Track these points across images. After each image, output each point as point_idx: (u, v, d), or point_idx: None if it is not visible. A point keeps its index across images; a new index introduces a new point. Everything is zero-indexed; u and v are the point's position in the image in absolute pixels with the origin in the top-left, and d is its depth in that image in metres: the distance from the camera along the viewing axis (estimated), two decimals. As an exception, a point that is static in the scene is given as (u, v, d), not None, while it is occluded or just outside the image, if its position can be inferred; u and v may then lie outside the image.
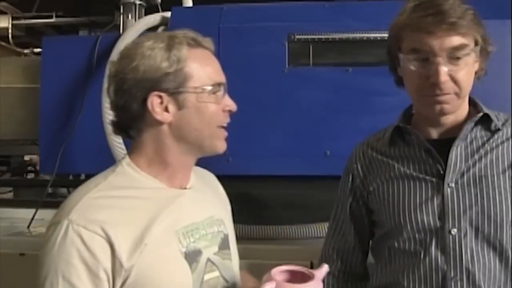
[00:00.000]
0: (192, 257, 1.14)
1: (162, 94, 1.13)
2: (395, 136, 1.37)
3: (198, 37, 1.20)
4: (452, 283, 1.23)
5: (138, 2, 2.58)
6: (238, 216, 2.03)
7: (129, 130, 1.18)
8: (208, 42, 1.22)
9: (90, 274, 1.02)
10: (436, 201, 1.26)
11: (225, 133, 1.22)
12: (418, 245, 1.27)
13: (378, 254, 1.41)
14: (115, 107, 1.17)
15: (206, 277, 1.17)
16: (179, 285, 1.12)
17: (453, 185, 1.25)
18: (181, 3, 2.74)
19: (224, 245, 1.25)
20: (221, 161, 2.15)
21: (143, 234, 1.07)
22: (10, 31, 6.74)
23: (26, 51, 6.32)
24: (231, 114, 1.24)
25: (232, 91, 2.16)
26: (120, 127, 1.19)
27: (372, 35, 2.14)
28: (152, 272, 1.07)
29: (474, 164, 1.26)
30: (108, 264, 1.03)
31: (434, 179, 1.28)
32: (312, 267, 1.79)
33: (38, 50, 6.10)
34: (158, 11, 2.53)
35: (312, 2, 2.24)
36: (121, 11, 2.60)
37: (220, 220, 1.28)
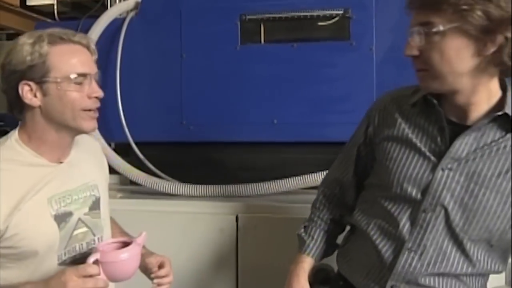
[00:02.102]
0: (61, 218, 1.41)
1: (30, 83, 1.36)
2: (421, 102, 1.35)
3: (67, 34, 1.40)
4: (406, 252, 1.31)
5: (122, -14, 2.86)
6: (203, 178, 2.36)
7: (13, 110, 1.43)
8: (80, 37, 1.42)
9: None
10: (425, 179, 1.30)
11: (92, 115, 1.42)
12: (396, 208, 1.34)
13: (364, 197, 1.50)
14: (2, 91, 1.42)
15: (75, 232, 1.45)
16: (46, 240, 1.37)
17: (446, 171, 1.27)
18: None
19: (94, 206, 1.52)
20: (182, 129, 2.48)
21: (19, 201, 1.33)
22: (55, 7, 7.22)
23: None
24: (99, 99, 1.44)
25: (192, 65, 2.47)
26: (9, 108, 1.44)
27: (316, 13, 2.31)
28: (22, 231, 1.33)
29: (474, 158, 1.26)
30: None
31: (433, 158, 1.30)
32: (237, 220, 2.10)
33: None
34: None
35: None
36: (108, -5, 2.89)
37: (94, 185, 1.54)
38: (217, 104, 2.44)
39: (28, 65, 1.35)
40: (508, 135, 1.25)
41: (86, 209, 1.50)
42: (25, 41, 1.36)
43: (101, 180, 1.60)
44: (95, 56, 1.47)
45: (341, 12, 2.29)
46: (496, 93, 1.27)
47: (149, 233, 2.06)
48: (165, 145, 2.52)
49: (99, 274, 1.31)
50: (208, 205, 2.17)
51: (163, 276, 1.51)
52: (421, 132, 1.34)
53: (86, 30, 2.51)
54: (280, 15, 2.38)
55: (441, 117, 1.29)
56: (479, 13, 1.14)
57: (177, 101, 2.47)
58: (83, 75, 1.39)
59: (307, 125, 2.35)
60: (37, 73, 1.36)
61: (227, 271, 2.14)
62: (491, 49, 1.17)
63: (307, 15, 2.34)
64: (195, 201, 2.22)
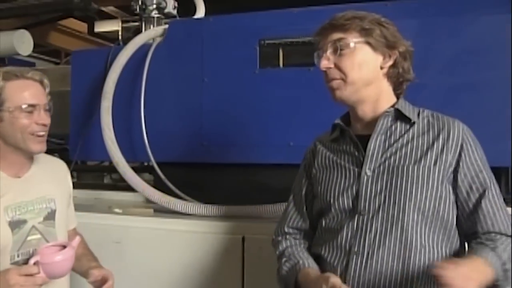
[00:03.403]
0: (15, 224, 1.66)
1: None
2: (337, 135, 1.59)
3: (21, 71, 1.68)
4: (354, 257, 1.41)
5: (156, 16, 3.02)
6: (221, 198, 2.42)
7: None
8: (33, 73, 1.70)
9: None
10: (354, 187, 1.46)
11: (39, 139, 1.68)
12: (338, 224, 1.48)
13: (317, 230, 1.60)
14: None
15: (29, 238, 1.69)
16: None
17: (370, 173, 1.45)
18: (194, 13, 3.14)
19: (49, 217, 1.76)
20: (203, 150, 2.56)
21: None
22: (120, 33, 7.60)
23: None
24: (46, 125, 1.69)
25: (213, 89, 2.55)
26: None
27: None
28: None
29: (390, 155, 1.45)
30: None
31: (356, 168, 1.48)
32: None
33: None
34: (177, 21, 2.95)
35: (279, 10, 2.49)
36: (143, 23, 3.06)
37: (51, 199, 1.78)
38: (236, 126, 2.51)
39: None
40: (413, 128, 1.47)
41: (41, 219, 1.74)
42: None
43: (60, 195, 1.82)
44: (48, 89, 1.74)
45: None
46: (386, 99, 1.52)
47: (156, 250, 2.13)
48: (185, 165, 2.59)
49: (38, 273, 1.55)
50: (216, 225, 2.21)
51: None
52: (342, 153, 1.55)
53: (116, 55, 2.66)
54: (297, 40, 2.43)
55: (351, 134, 1.52)
56: (378, 32, 1.46)
57: (197, 123, 2.55)
58: (32, 105, 1.66)
59: (323, 148, 2.35)
60: None
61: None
62: (389, 62, 1.48)
63: (323, 40, 2.36)
64: (205, 221, 2.27)
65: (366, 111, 1.51)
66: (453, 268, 1.23)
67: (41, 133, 1.69)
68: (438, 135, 1.44)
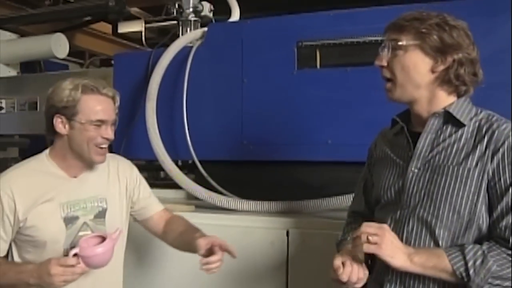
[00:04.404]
0: (69, 220, 1.83)
1: (62, 117, 1.80)
2: (397, 130, 1.63)
3: (97, 87, 1.82)
4: None
5: (193, 19, 3.13)
6: (260, 194, 2.51)
7: (48, 132, 1.87)
8: (107, 90, 1.85)
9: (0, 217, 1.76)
10: (400, 182, 1.53)
11: (101, 151, 1.84)
12: (385, 214, 1.55)
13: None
14: (44, 115, 1.86)
15: (80, 233, 1.84)
16: (53, 235, 1.79)
17: (416, 170, 1.50)
18: (229, 17, 3.23)
19: (100, 215, 1.90)
20: (243, 148, 2.66)
21: (36, 200, 1.78)
22: (143, 33, 7.71)
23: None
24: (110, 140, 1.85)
25: (252, 89, 2.64)
26: (46, 130, 1.87)
27: (368, 39, 2.43)
28: (37, 224, 1.77)
29: (436, 154, 1.48)
30: (11, 214, 1.76)
31: (402, 163, 1.55)
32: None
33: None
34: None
35: (316, 13, 2.59)
36: (180, 26, 3.17)
37: (103, 199, 1.92)
38: (275, 125, 2.60)
39: (63, 105, 1.79)
40: (462, 129, 1.48)
41: (91, 216, 1.89)
42: (66, 86, 1.80)
43: (111, 195, 1.96)
44: (117, 104, 1.89)
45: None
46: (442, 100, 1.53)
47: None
48: (226, 163, 2.70)
49: (77, 265, 1.68)
50: (261, 220, 2.31)
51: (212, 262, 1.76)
52: (396, 147, 1.62)
53: (158, 59, 2.77)
54: (334, 41, 2.52)
55: (404, 130, 1.58)
56: (435, 37, 1.46)
57: (238, 122, 2.65)
58: (102, 121, 1.81)
59: (360, 145, 2.39)
60: (69, 112, 1.79)
61: (278, 282, 2.27)
62: (441, 67, 1.48)
63: (359, 41, 2.46)
64: (249, 216, 2.38)
65: (420, 110, 1.53)
66: (381, 230, 1.39)
67: (104, 146, 1.85)
68: (482, 138, 1.44)
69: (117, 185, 2.00)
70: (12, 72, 4.03)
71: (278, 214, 2.37)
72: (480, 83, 1.53)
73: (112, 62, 3.14)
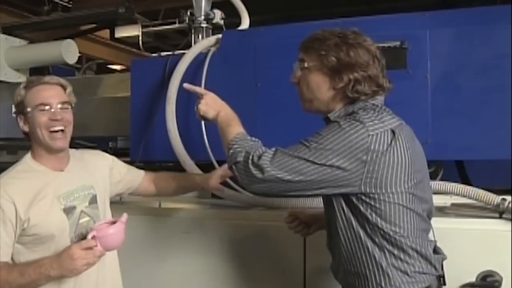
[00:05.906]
0: (68, 210, 1.97)
1: (21, 116, 1.98)
2: None
3: (39, 78, 1.99)
4: None
5: (204, 26, 3.27)
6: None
7: (24, 137, 2.04)
8: (49, 78, 2.01)
9: (2, 222, 1.85)
10: None
11: (56, 135, 1.95)
12: None
13: None
14: None
15: (81, 221, 2.00)
16: (59, 226, 1.92)
17: None
18: (239, 24, 3.38)
19: (92, 201, 2.06)
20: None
21: (34, 198, 1.89)
22: (140, 38, 7.84)
23: (154, 55, 7.25)
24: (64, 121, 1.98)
25: (266, 94, 2.77)
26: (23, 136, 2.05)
27: (376, 45, 2.59)
28: (40, 220, 1.88)
29: None
30: (12, 217, 1.85)
31: None
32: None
33: (165, 53, 7.30)
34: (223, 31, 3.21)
35: (325, 21, 2.74)
36: (192, 32, 3.31)
37: (90, 186, 2.08)
38: (288, 129, 2.73)
39: (16, 105, 2.00)
40: None
41: (86, 203, 2.05)
42: (18, 87, 2.00)
43: (95, 181, 2.12)
44: (69, 89, 2.03)
45: (398, 43, 2.55)
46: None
47: (224, 239, 2.39)
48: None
49: (96, 246, 1.81)
50: (276, 215, 2.46)
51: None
52: None
53: (174, 64, 2.91)
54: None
55: None
56: (332, 58, 1.64)
57: (251, 126, 2.78)
58: (45, 104, 1.94)
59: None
60: (21, 109, 1.97)
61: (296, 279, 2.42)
62: (340, 85, 1.66)
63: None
64: (264, 211, 2.56)
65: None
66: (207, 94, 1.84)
67: (57, 129, 1.95)
68: None
69: (97, 171, 2.17)
70: (22, 78, 4.13)
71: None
72: (387, 90, 1.72)
73: (108, 66, 3.28)
